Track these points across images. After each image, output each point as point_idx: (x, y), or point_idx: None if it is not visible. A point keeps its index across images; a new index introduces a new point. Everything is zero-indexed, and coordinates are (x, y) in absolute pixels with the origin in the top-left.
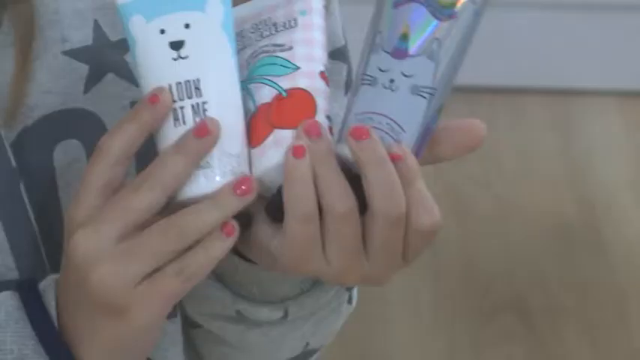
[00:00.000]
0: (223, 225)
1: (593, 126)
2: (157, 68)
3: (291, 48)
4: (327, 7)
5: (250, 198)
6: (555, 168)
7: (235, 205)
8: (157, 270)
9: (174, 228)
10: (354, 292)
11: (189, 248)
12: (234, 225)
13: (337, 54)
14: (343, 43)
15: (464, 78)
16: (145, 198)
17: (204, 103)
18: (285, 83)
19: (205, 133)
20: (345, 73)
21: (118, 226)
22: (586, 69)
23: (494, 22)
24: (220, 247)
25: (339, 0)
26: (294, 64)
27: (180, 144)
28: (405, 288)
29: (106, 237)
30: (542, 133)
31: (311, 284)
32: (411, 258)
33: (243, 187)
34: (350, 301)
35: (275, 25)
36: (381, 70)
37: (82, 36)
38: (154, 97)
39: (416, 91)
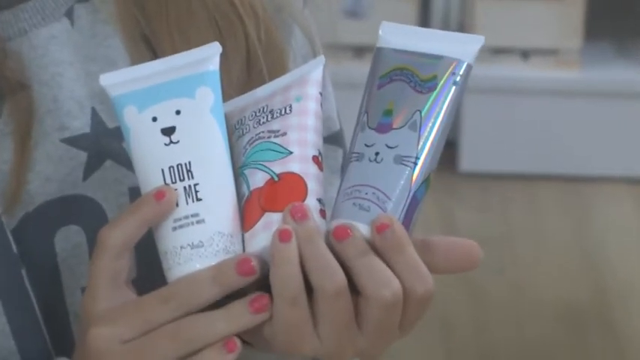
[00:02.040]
0: (227, 340)
1: (606, 212)
2: (150, 154)
3: (285, 134)
4: (322, 93)
5: (253, 277)
6: (569, 254)
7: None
8: None
9: (184, 335)
10: None
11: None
12: (237, 342)
13: (333, 138)
14: (338, 127)
15: (479, 165)
16: (168, 316)
17: (195, 184)
18: (278, 168)
19: (250, 271)
20: (340, 158)
21: (135, 331)
22: (598, 156)
23: (506, 110)
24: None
25: (334, 86)
26: (287, 149)
27: (220, 280)
28: None
29: (120, 338)
30: (555, 220)
31: None
32: (407, 328)
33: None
34: None
35: (272, 112)
36: (367, 145)
37: (80, 124)
38: (161, 194)
39: (399, 160)
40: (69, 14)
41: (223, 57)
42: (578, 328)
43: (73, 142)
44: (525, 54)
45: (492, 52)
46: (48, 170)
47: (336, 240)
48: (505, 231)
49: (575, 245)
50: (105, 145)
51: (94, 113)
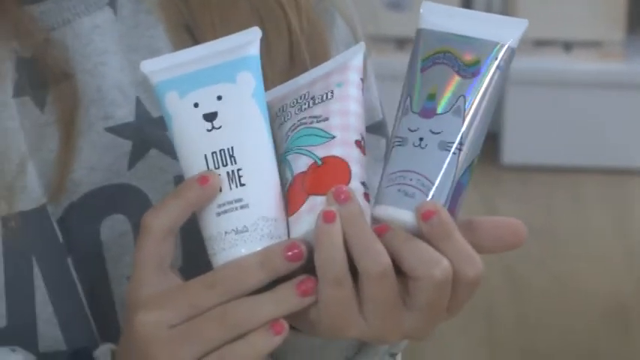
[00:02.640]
0: (274, 323)
1: None
2: (192, 140)
3: (327, 119)
4: (364, 80)
5: (301, 262)
6: (612, 247)
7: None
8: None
9: (231, 319)
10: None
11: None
12: (285, 325)
13: (375, 128)
14: (381, 117)
15: (522, 157)
16: (214, 301)
17: (238, 169)
18: (321, 152)
19: (299, 256)
20: (383, 147)
21: (182, 316)
22: None
23: (549, 103)
24: (268, 344)
25: (377, 77)
26: (329, 134)
27: (268, 265)
28: None
29: (167, 323)
30: (598, 212)
31: (355, 351)
32: (455, 311)
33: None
34: None
35: (313, 98)
36: (410, 130)
37: (124, 113)
38: (204, 179)
39: (444, 146)
40: (112, 3)
41: (266, 46)
42: (621, 322)
43: (117, 131)
44: (568, 46)
45: (534, 43)
46: (93, 159)
47: (378, 235)
48: (547, 223)
49: (617, 238)
50: (149, 133)
51: (138, 102)
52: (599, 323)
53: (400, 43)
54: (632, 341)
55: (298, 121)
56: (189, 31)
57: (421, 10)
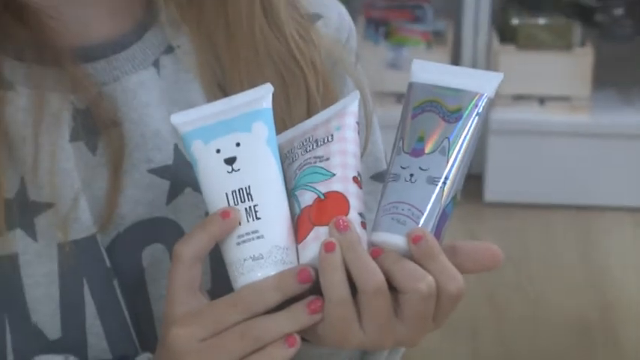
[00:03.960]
0: (288, 337)
1: (610, 237)
2: (215, 180)
3: (328, 159)
4: (365, 123)
5: (309, 285)
6: (578, 275)
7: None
8: None
9: (251, 334)
10: None
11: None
12: (297, 338)
13: (379, 176)
14: (385, 167)
15: (501, 196)
16: (236, 318)
17: (255, 205)
18: (323, 188)
19: (308, 279)
20: None
21: (209, 331)
22: (604, 188)
23: (525, 149)
24: (283, 355)
25: (380, 127)
26: (330, 172)
27: (283, 287)
28: None
29: (197, 337)
30: (566, 243)
31: (358, 359)
32: (440, 321)
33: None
34: None
35: (316, 141)
36: (402, 167)
37: (163, 157)
38: (226, 213)
39: (431, 181)
40: (155, 64)
41: (286, 102)
42: (585, 339)
43: (157, 172)
44: (542, 100)
45: (513, 98)
46: (136, 196)
47: (373, 257)
48: (523, 252)
49: (583, 266)
50: (185, 175)
51: (176, 148)
52: (566, 340)
53: (399, 97)
54: (594, 351)
55: (304, 161)
56: (222, 88)
57: (412, 67)
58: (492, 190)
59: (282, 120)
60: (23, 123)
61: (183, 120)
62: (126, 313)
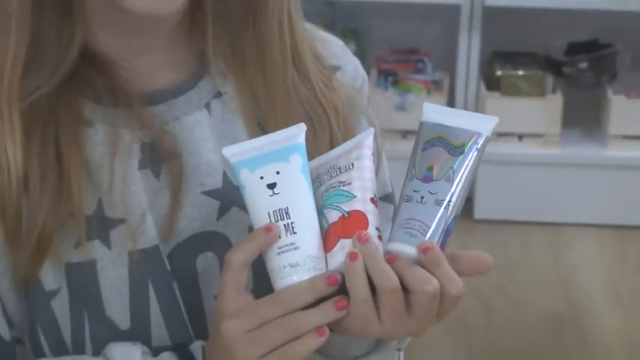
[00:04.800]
0: (319, 328)
1: (576, 247)
2: (259, 202)
3: (350, 183)
4: (377, 154)
5: (336, 287)
6: (551, 278)
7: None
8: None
9: (289, 326)
10: (402, 354)
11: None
12: (326, 330)
13: (386, 198)
14: (390, 190)
15: (488, 214)
16: (276, 313)
17: (292, 222)
18: (346, 207)
19: (335, 283)
20: (391, 212)
21: (254, 324)
22: (571, 208)
23: (507, 176)
24: (315, 343)
25: (387, 159)
26: (352, 194)
27: (315, 289)
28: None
29: (244, 329)
30: (541, 253)
31: (374, 346)
32: (442, 316)
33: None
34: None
35: (339, 168)
36: (414, 191)
37: (214, 181)
38: (269, 229)
39: (438, 202)
40: (207, 106)
41: (313, 137)
42: (556, 330)
43: (209, 194)
44: (520, 137)
45: (497, 135)
46: (192, 213)
47: (388, 263)
48: (505, 260)
49: (554, 271)
50: (231, 196)
51: (224, 174)
52: (542, 328)
53: (405, 133)
54: (564, 340)
55: (330, 185)
56: (260, 126)
57: (423, 108)
58: (481, 210)
59: (310, 152)
60: (101, 154)
61: (233, 152)
62: (183, 309)
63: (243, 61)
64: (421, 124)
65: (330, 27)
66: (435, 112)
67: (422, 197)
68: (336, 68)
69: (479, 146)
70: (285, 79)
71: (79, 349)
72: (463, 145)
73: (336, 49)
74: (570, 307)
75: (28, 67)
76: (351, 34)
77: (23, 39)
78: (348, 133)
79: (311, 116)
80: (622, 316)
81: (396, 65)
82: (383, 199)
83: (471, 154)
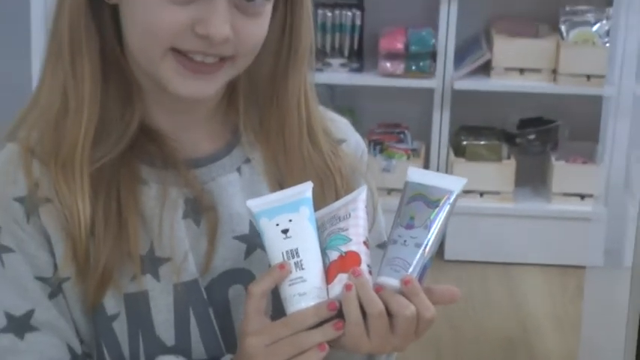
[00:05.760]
0: (321, 345)
1: (528, 283)
2: (275, 244)
3: (347, 229)
4: (372, 208)
5: (335, 312)
6: (505, 308)
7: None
8: None
9: (297, 343)
10: None
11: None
12: (326, 345)
13: (381, 245)
14: (384, 239)
15: (455, 256)
16: (288, 333)
17: (301, 260)
18: (344, 248)
19: (335, 309)
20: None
21: (271, 340)
22: (523, 251)
23: (471, 225)
24: (317, 356)
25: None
26: (348, 238)
27: (319, 314)
28: None
29: (263, 344)
30: (498, 287)
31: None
32: (419, 336)
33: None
34: None
35: (339, 218)
36: (399, 236)
37: (242, 229)
38: (282, 266)
39: (418, 246)
40: (238, 170)
41: (322, 194)
42: (510, 348)
43: (238, 238)
44: (481, 194)
45: (463, 192)
46: (225, 254)
47: (376, 293)
48: (470, 292)
49: (508, 301)
50: (256, 240)
51: (250, 223)
52: (498, 347)
53: (389, 191)
54: (516, 357)
55: (331, 230)
56: (281, 185)
57: (407, 171)
58: (450, 252)
59: (319, 204)
60: (153, 206)
61: (255, 204)
62: (217, 329)
63: (268, 133)
64: (406, 183)
65: (329, 105)
66: (416, 174)
67: (405, 241)
68: (341, 141)
69: (451, 201)
70: (300, 149)
71: None
72: (438, 200)
73: (341, 126)
74: (521, 330)
75: (97, 139)
76: (347, 111)
77: (93, 117)
78: (349, 191)
79: (321, 178)
80: (562, 336)
81: (383, 136)
82: (380, 246)
83: (445, 207)
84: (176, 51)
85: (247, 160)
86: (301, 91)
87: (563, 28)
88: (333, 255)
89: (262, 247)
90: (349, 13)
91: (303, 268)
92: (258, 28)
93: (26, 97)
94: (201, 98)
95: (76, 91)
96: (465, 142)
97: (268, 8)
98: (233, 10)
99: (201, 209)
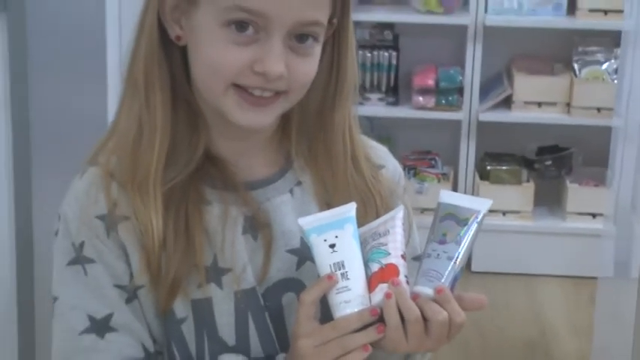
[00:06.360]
0: (365, 346)
1: (546, 292)
2: (323, 257)
3: (386, 244)
4: (408, 226)
5: (377, 317)
6: (526, 315)
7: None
8: None
9: (343, 345)
10: None
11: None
12: (369, 347)
13: (416, 258)
14: (419, 252)
15: (481, 268)
16: (335, 335)
17: (346, 272)
18: (384, 261)
19: (377, 314)
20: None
21: (320, 342)
22: (541, 264)
23: (495, 242)
24: (361, 356)
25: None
26: (388, 252)
27: (362, 319)
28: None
29: (313, 345)
30: (519, 296)
31: (404, 358)
32: (451, 338)
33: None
34: None
35: (379, 234)
36: (433, 250)
37: (294, 243)
38: (330, 277)
39: (449, 258)
40: (291, 191)
41: (364, 213)
42: (530, 351)
43: (291, 252)
44: (504, 213)
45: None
46: (279, 265)
47: (413, 300)
48: (495, 301)
49: (528, 310)
50: (306, 253)
51: (301, 239)
52: (519, 349)
53: (422, 210)
54: (536, 358)
55: (372, 245)
56: (328, 205)
57: (440, 194)
58: (477, 264)
59: (361, 222)
60: (216, 224)
61: (306, 222)
62: (272, 331)
63: (317, 159)
64: (438, 204)
65: (369, 135)
66: (447, 196)
67: (438, 254)
68: (381, 166)
69: (478, 220)
70: (345, 173)
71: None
72: (467, 219)
73: (381, 153)
74: (540, 335)
75: (168, 163)
76: (384, 140)
77: (165, 144)
78: (388, 209)
79: (363, 199)
80: (577, 341)
81: (416, 162)
82: (415, 259)
83: (473, 225)
84: (237, 86)
85: (299, 183)
86: (346, 122)
87: (576, 66)
88: (374, 267)
89: (312, 260)
90: (386, 54)
91: (348, 279)
92: (308, 66)
93: (100, 128)
94: (258, 128)
95: (150, 121)
96: (489, 167)
97: (317, 49)
98: (287, 51)
99: (258, 226)
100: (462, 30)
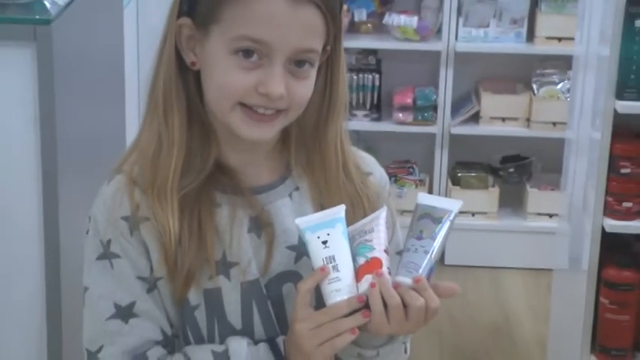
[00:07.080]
0: (352, 329)
1: (509, 282)
2: (316, 252)
3: (371, 240)
4: (392, 225)
5: (363, 304)
6: (492, 302)
7: (357, 306)
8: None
9: (334, 328)
10: (408, 345)
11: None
12: (356, 330)
13: (399, 252)
14: (401, 248)
15: (453, 261)
16: (327, 319)
17: (337, 264)
18: (369, 255)
19: (363, 301)
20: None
21: (313, 325)
22: (504, 257)
23: (464, 237)
24: (350, 338)
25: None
26: (372, 247)
27: (350, 305)
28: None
29: (308, 328)
30: (485, 285)
31: (388, 339)
32: (428, 321)
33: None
34: (405, 351)
35: (365, 232)
36: (412, 245)
37: (293, 240)
38: (323, 269)
39: (426, 252)
40: (290, 195)
41: (353, 214)
42: (494, 334)
43: (290, 248)
44: (473, 214)
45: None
46: (279, 260)
47: (394, 289)
48: (464, 290)
49: (494, 296)
50: (303, 250)
51: (299, 236)
52: (486, 334)
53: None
54: (500, 341)
55: (359, 241)
56: (322, 207)
57: (418, 196)
58: (450, 258)
59: (350, 221)
60: (225, 223)
61: (302, 221)
62: (273, 317)
63: (312, 168)
64: (416, 205)
65: (356, 146)
66: (424, 198)
67: (416, 249)
68: (369, 174)
69: (451, 218)
70: (337, 180)
71: (211, 342)
72: (441, 218)
73: (369, 162)
74: (505, 320)
75: (183, 172)
76: (368, 150)
77: (181, 156)
78: (374, 210)
79: (352, 202)
80: (537, 325)
81: (396, 170)
82: (398, 253)
83: (446, 223)
84: (243, 105)
85: (297, 188)
86: (338, 135)
87: (534, 86)
88: (361, 260)
89: (307, 255)
90: (370, 76)
91: (338, 270)
92: (305, 88)
93: (119, 145)
94: (262, 141)
95: (168, 136)
96: (459, 174)
97: (313, 73)
98: (287, 75)
99: (262, 225)
100: (435, 55)
